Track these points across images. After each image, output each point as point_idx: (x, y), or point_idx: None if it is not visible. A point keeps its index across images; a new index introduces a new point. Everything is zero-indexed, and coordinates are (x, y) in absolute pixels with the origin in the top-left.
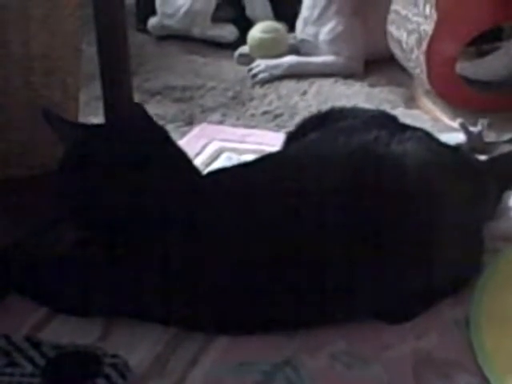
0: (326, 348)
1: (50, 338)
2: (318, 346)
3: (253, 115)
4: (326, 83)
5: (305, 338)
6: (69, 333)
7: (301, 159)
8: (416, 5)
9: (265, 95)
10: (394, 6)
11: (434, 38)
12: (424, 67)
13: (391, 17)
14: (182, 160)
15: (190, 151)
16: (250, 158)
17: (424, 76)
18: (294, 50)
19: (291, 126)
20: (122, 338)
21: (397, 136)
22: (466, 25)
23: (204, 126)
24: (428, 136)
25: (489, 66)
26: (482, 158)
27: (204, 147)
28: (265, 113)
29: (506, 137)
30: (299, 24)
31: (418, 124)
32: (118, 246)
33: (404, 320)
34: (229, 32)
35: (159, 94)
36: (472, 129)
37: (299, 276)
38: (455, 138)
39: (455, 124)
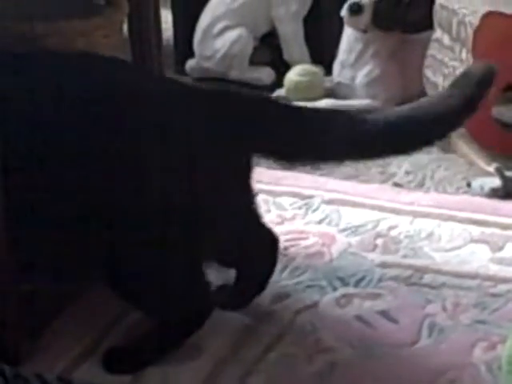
0: None
1: (83, 378)
2: None
3: None
4: None
5: None
6: (101, 373)
7: None
8: (452, 50)
9: None
10: (430, 51)
11: None
12: None
13: (428, 61)
14: None
15: None
16: (284, 200)
17: None
18: (331, 93)
19: (324, 168)
20: (153, 380)
21: None
22: (502, 70)
23: None
24: None
25: None
26: None
27: None
28: None
29: None
30: (336, 67)
31: (453, 168)
32: None
33: None
34: (266, 75)
35: None
36: (508, 173)
37: None
38: (491, 182)
39: (491, 168)
